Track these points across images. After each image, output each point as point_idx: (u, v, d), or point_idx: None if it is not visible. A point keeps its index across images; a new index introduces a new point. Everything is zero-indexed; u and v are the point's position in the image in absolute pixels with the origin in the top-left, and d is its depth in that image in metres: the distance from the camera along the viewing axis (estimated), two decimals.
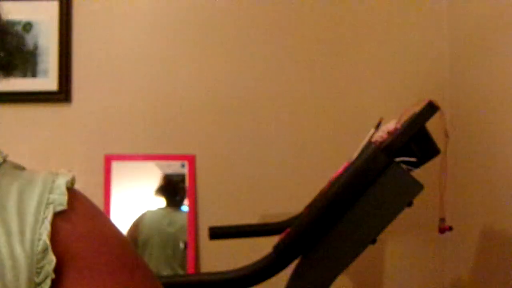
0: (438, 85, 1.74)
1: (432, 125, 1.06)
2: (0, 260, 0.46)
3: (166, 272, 1.67)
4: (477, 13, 1.54)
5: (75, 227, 0.49)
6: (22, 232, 0.47)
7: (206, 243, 1.69)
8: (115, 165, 1.70)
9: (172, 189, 1.72)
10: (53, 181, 0.50)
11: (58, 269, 0.47)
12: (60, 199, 0.49)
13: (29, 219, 0.48)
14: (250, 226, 1.56)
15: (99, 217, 0.53)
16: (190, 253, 1.68)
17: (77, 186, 0.54)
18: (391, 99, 1.72)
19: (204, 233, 1.69)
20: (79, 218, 0.50)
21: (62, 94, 1.71)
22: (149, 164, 1.71)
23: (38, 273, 0.46)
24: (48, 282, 0.46)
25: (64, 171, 0.53)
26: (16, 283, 0.46)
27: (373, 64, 1.75)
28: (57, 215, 0.49)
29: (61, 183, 0.50)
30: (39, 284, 0.46)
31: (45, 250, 0.47)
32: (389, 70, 1.75)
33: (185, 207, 1.71)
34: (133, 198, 1.71)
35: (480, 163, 1.50)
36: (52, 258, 0.47)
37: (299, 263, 1.07)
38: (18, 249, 0.46)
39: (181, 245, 1.68)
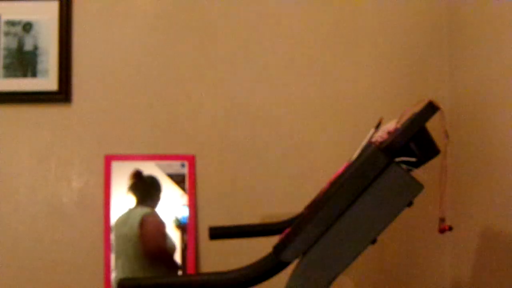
0: (438, 85, 1.74)
1: (432, 125, 1.06)
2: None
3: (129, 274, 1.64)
4: (477, 13, 1.54)
5: None
6: None
7: (206, 243, 1.70)
8: (115, 165, 1.70)
9: (143, 187, 1.70)
10: None
11: None
12: None
13: None
14: (250, 226, 1.55)
15: None
16: (190, 253, 1.68)
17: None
18: (391, 99, 1.72)
19: (204, 233, 1.69)
20: None
21: (62, 94, 1.71)
22: (149, 164, 1.72)
23: None
24: None
25: None
26: None
27: (373, 64, 1.75)
28: None
29: None
30: None
31: None
32: (389, 70, 1.75)
33: (185, 208, 1.71)
34: (133, 198, 1.70)
35: (480, 163, 1.50)
36: None
37: (299, 263, 1.07)
38: None
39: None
